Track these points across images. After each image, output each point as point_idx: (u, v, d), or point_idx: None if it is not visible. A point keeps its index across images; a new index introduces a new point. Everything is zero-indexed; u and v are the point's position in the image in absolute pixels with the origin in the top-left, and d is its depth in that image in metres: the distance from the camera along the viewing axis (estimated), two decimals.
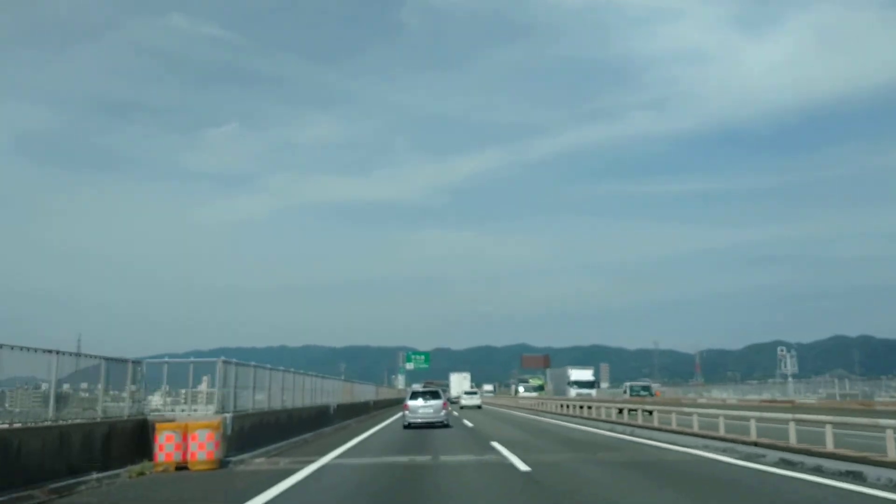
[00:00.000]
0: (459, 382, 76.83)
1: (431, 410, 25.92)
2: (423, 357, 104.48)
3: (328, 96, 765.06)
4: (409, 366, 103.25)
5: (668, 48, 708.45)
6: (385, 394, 64.62)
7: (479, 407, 55.00)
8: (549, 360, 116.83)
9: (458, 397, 62.09)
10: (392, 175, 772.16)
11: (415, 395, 27.39)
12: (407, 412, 26.22)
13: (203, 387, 14.43)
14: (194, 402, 13.88)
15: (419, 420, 25.63)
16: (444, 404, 27.21)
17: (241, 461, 13.44)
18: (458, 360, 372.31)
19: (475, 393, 62.65)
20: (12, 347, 9.57)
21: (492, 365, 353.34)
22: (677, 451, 15.04)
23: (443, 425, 25.62)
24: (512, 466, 12.56)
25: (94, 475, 10.55)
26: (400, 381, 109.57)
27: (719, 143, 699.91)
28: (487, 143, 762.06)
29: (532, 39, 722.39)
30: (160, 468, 12.07)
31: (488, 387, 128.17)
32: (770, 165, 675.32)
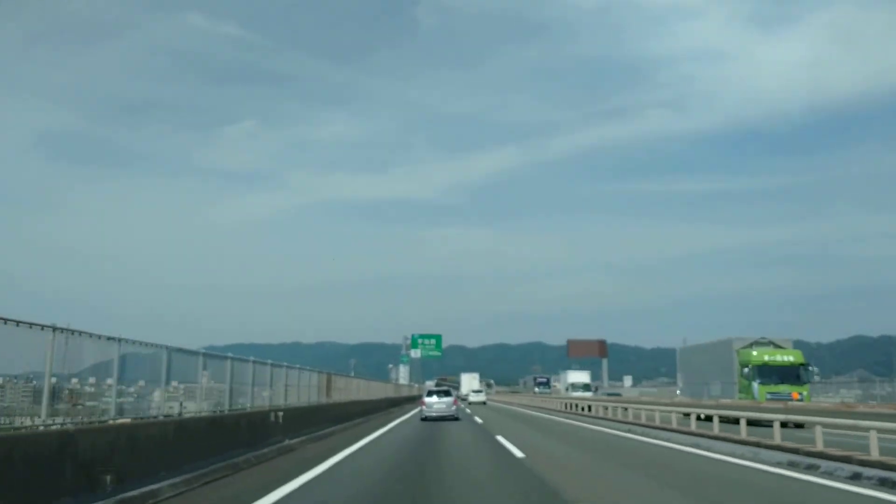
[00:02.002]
0: (469, 382, 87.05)
1: (444, 406, 30.70)
2: (433, 341, 76.13)
3: (345, 94, 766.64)
4: (415, 353, 76.54)
5: (685, 47, 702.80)
6: (363, 391, 36.91)
7: (484, 403, 62.97)
8: (605, 348, 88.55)
9: (467, 395, 71.14)
10: (409, 173, 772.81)
11: (430, 394, 32.43)
12: (423, 407, 30.99)
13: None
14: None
15: (434, 414, 30.28)
16: (455, 401, 32.29)
17: None
18: (473, 358, 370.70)
19: (481, 391, 71.96)
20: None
21: (507, 363, 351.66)
22: None
23: (453, 418, 30.17)
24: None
25: None
26: (402, 373, 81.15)
27: (736, 142, 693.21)
28: (504, 142, 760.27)
29: (548, 38, 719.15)
30: None
31: (581, 377, 77.07)
32: (788, 164, 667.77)
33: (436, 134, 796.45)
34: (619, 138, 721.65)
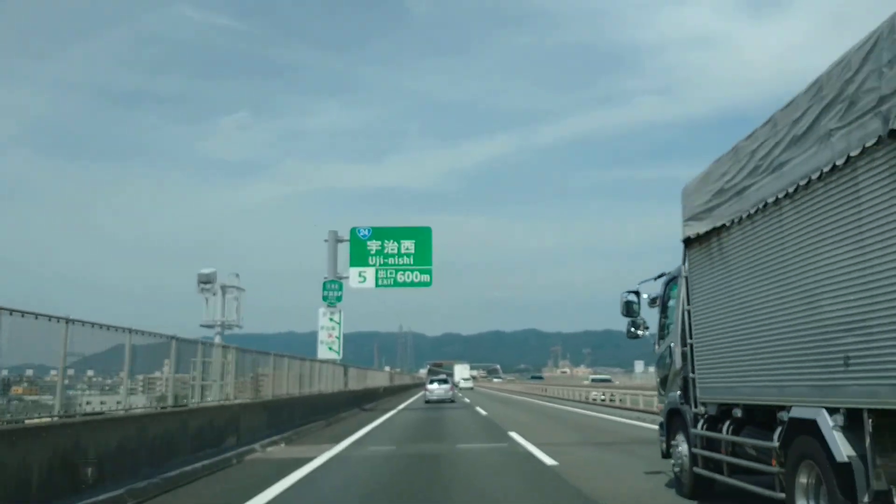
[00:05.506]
0: (461, 371, 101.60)
1: (443, 391, 37.84)
2: (408, 245, 28.97)
3: (338, 84, 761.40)
4: (359, 277, 28.34)
5: (676, 34, 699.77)
6: None
7: (471, 388, 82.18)
8: None
9: (459, 381, 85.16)
10: (403, 161, 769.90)
11: (431, 381, 40.38)
12: (427, 392, 38.32)
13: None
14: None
15: (435, 398, 36.80)
16: (451, 388, 40.26)
17: None
18: (468, 345, 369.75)
19: (469, 379, 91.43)
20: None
21: (502, 349, 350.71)
22: None
23: (450, 401, 36.83)
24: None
25: None
26: (321, 319, 28.40)
27: (728, 128, 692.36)
28: (497, 129, 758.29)
29: (540, 25, 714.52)
30: None
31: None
32: None
33: (429, 122, 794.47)
34: (611, 125, 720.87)
